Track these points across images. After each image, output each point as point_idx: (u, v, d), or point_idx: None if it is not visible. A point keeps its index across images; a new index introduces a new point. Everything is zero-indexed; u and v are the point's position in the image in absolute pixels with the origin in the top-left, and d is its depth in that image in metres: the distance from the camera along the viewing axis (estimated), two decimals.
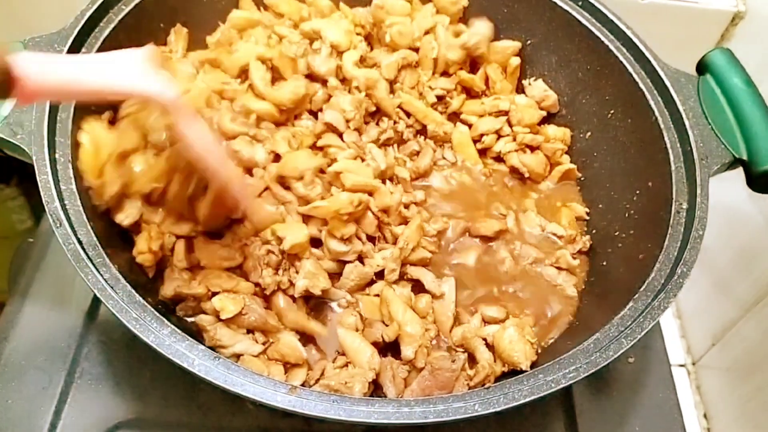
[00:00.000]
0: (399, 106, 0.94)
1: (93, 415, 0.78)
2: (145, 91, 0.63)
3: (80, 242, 0.65)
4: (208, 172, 0.70)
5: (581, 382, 0.70)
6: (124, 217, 0.76)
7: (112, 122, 0.79)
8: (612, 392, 0.86)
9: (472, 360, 0.78)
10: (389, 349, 0.78)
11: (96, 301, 0.86)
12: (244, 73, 0.90)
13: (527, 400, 0.61)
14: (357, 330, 0.78)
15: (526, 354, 0.74)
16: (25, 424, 0.77)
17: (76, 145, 0.73)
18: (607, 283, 0.82)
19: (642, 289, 0.71)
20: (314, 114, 0.92)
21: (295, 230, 0.78)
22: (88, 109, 0.76)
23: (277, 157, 0.85)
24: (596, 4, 0.89)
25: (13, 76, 0.52)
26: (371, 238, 0.83)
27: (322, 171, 0.84)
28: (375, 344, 0.77)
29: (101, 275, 0.63)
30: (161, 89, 0.62)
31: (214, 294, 0.75)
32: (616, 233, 0.86)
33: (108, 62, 0.62)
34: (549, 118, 1.00)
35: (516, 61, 0.98)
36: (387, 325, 0.78)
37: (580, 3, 0.90)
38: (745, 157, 0.78)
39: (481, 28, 0.97)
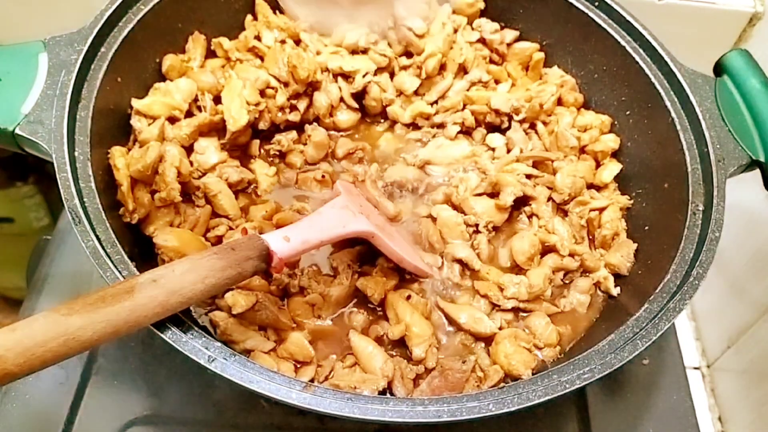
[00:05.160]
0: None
1: (109, 410, 0.79)
2: (353, 232, 0.76)
3: (99, 239, 0.66)
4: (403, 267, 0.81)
5: (595, 383, 0.70)
6: (153, 230, 0.78)
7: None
8: (626, 394, 0.86)
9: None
10: (397, 349, 0.78)
11: None
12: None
13: (541, 400, 0.61)
14: (364, 324, 0.79)
15: (525, 363, 0.74)
16: (43, 419, 0.78)
17: (109, 169, 0.76)
18: (623, 285, 0.82)
19: (657, 290, 0.71)
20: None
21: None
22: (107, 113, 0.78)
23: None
24: (612, 5, 0.89)
25: (270, 252, 0.66)
26: None
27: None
28: (378, 340, 0.77)
29: (119, 272, 0.64)
30: (363, 227, 0.77)
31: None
32: (632, 234, 0.86)
33: (324, 220, 0.75)
34: None
35: (539, 55, 0.98)
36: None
37: (596, 3, 0.90)
38: (762, 159, 0.78)
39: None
